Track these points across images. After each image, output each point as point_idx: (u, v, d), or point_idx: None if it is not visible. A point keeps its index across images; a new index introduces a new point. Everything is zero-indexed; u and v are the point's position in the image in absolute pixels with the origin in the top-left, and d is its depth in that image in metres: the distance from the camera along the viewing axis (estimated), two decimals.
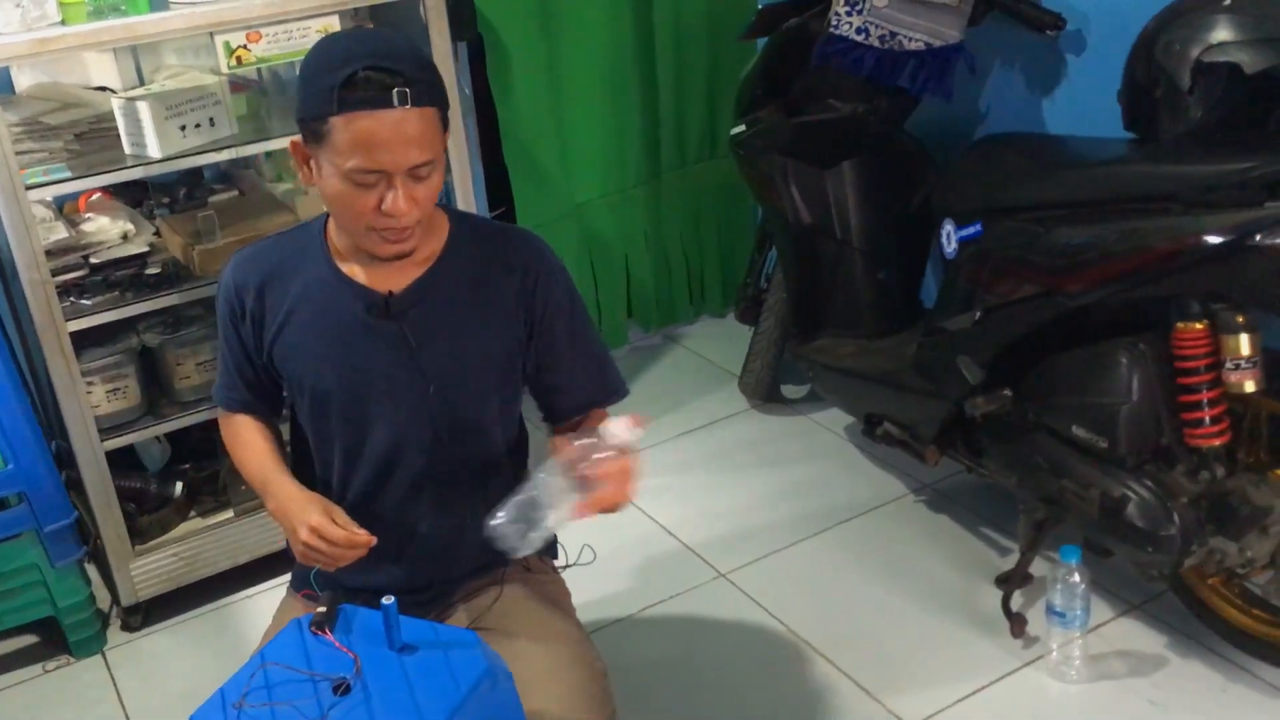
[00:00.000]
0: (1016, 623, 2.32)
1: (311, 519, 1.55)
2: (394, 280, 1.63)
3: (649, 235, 3.56)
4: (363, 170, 1.47)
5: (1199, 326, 1.97)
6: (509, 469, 1.78)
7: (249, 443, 1.76)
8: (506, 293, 1.66)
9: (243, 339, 1.71)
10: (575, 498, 1.43)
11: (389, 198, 1.49)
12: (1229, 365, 1.94)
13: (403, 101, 1.44)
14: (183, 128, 2.35)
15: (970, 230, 2.32)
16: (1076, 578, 2.15)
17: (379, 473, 1.69)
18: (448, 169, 2.68)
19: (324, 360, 1.65)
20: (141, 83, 2.55)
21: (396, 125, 1.45)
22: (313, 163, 1.53)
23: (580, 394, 1.75)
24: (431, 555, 1.74)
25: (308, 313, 1.65)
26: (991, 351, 2.27)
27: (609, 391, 1.77)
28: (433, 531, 1.72)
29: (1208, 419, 1.99)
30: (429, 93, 1.48)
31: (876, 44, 2.50)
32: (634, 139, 3.41)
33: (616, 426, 1.45)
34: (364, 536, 1.54)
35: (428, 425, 1.66)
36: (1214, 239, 1.83)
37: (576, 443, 1.48)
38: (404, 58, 1.48)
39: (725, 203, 3.60)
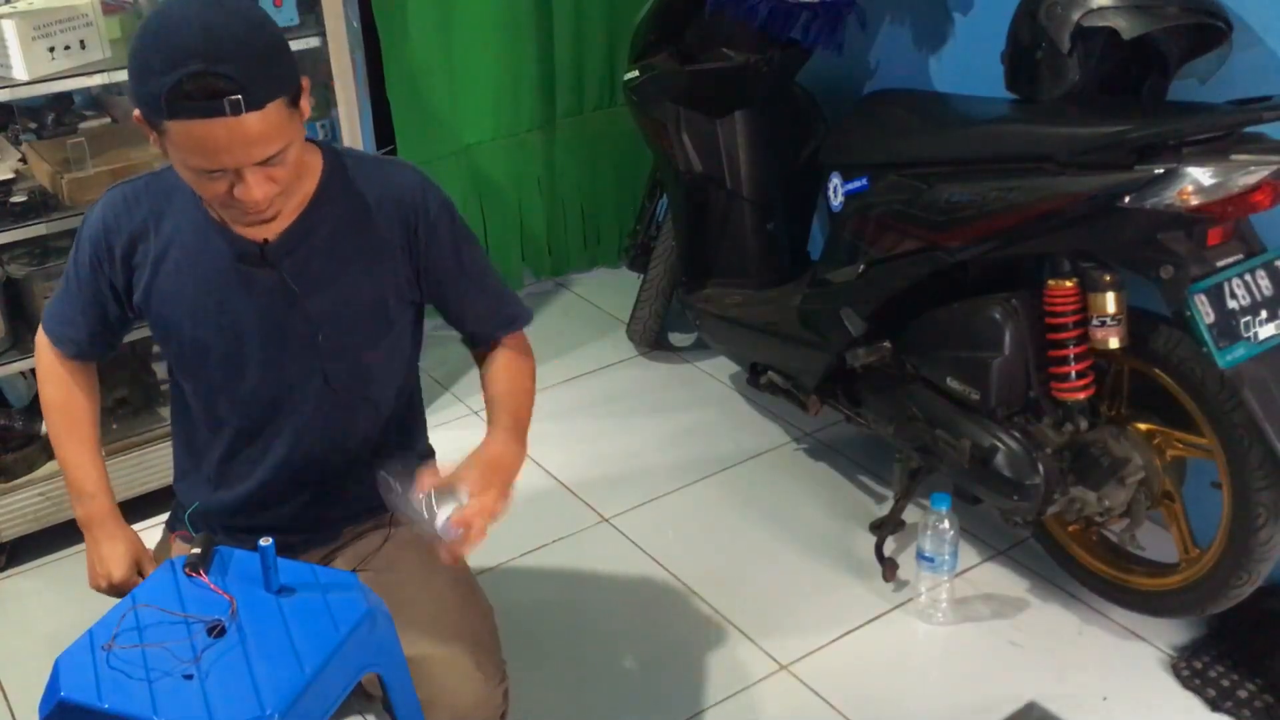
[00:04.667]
0: (888, 567, 2.39)
1: (115, 575, 1.64)
2: (267, 227, 1.56)
3: (543, 182, 3.52)
4: (205, 170, 1.40)
5: (1069, 284, 2.04)
6: (401, 411, 1.76)
7: (74, 420, 1.71)
8: (388, 231, 1.62)
9: (103, 284, 1.63)
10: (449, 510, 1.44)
11: (239, 188, 1.42)
12: (1095, 322, 2.02)
13: (235, 110, 1.33)
14: (51, 49, 2.24)
15: (856, 184, 2.35)
16: (946, 524, 2.23)
17: (264, 419, 1.66)
18: (334, 105, 2.62)
19: (200, 309, 1.60)
20: (7, 0, 2.42)
21: (233, 130, 1.36)
22: (158, 139, 1.44)
23: (481, 325, 1.74)
24: (319, 498, 1.72)
25: (182, 260, 1.59)
26: (873, 304, 2.32)
27: (509, 320, 1.76)
28: (321, 475, 1.70)
29: (1074, 373, 2.07)
30: (266, 89, 1.37)
31: None
32: (529, 82, 3.36)
33: (444, 523, 1.44)
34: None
35: (315, 372, 1.63)
36: (1085, 200, 1.90)
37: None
38: (236, 55, 1.34)
39: (624, 152, 3.56)
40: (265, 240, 1.57)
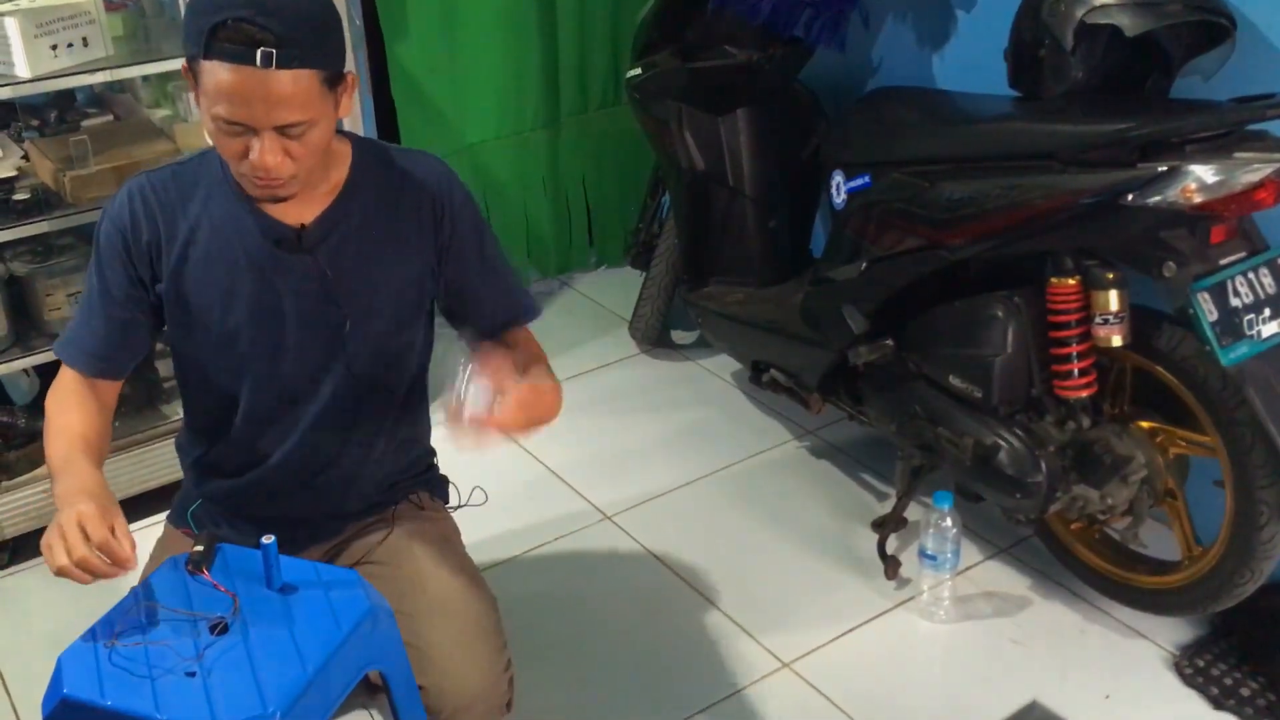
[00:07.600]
0: (890, 565, 2.39)
1: (81, 507, 1.35)
2: (302, 212, 1.57)
3: (548, 181, 3.52)
4: (225, 120, 1.42)
5: (1071, 282, 2.03)
6: (413, 402, 1.77)
7: (68, 426, 1.54)
8: (416, 220, 1.64)
9: (129, 274, 1.59)
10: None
11: (255, 148, 1.43)
12: (1098, 320, 2.01)
13: (267, 62, 1.36)
14: (54, 47, 2.24)
15: (858, 182, 2.35)
16: (948, 522, 2.23)
17: (286, 405, 1.66)
18: None
19: (233, 295, 1.60)
20: None
21: (259, 83, 1.38)
22: (194, 89, 1.47)
23: (492, 317, 1.75)
24: (332, 487, 1.72)
25: (212, 246, 1.59)
26: (876, 302, 2.32)
27: (520, 313, 1.77)
28: (336, 463, 1.70)
29: (1076, 371, 2.07)
30: (305, 55, 1.39)
31: None
32: (532, 81, 3.36)
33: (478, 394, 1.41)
34: (126, 552, 1.34)
35: (340, 358, 1.63)
36: (1088, 197, 1.90)
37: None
38: (284, 12, 1.38)
39: (629, 150, 3.55)
40: (302, 225, 1.58)
